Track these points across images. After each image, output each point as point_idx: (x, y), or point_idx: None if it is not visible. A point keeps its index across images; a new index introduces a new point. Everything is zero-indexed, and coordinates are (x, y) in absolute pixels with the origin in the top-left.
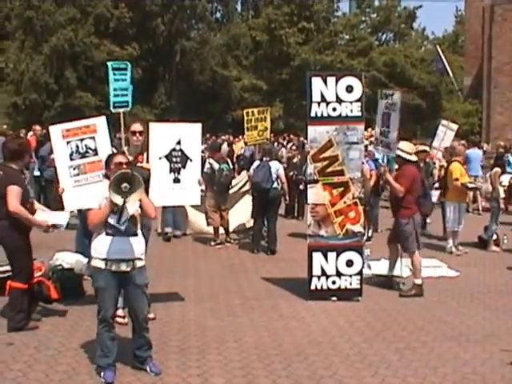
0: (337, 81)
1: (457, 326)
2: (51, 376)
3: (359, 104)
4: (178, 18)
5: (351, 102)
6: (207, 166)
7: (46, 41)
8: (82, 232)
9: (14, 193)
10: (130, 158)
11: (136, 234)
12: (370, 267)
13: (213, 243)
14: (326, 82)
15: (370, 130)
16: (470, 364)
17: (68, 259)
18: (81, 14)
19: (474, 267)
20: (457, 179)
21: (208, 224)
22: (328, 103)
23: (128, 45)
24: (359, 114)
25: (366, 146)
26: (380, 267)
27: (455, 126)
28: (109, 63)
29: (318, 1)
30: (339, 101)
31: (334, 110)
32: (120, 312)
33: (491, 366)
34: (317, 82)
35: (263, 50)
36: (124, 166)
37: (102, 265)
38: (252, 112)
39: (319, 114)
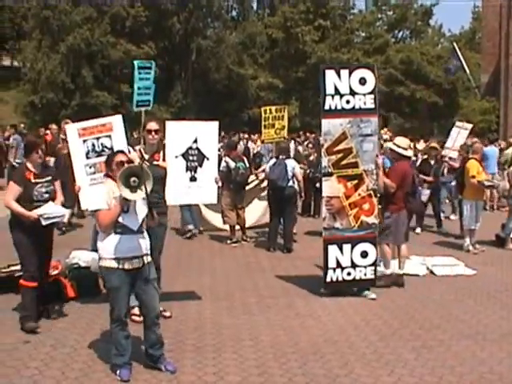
0: (350, 73)
1: (474, 325)
2: (67, 374)
3: (372, 96)
4: (193, 16)
5: (364, 95)
6: (223, 164)
7: (62, 40)
8: (96, 231)
9: (9, 188)
10: (146, 157)
11: (143, 232)
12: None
13: (229, 241)
14: (339, 75)
15: (385, 129)
16: (487, 363)
17: (84, 257)
18: (97, 14)
19: (491, 266)
20: (473, 177)
21: (224, 222)
22: (342, 96)
23: (144, 44)
24: (372, 106)
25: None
26: (396, 265)
27: (469, 126)
28: (135, 62)
29: None
30: (353, 93)
31: (348, 102)
32: (136, 310)
33: (508, 365)
34: (330, 75)
35: (279, 48)
36: (125, 165)
37: (114, 264)
38: (270, 110)
39: (333, 107)
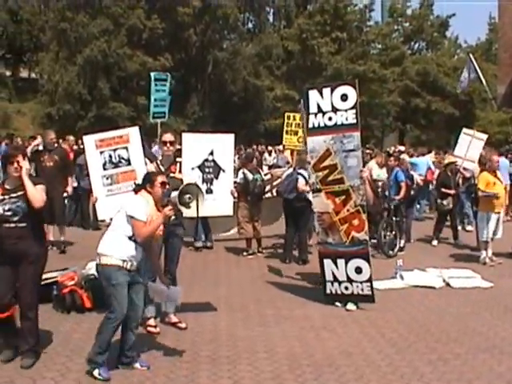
0: (332, 91)
1: (491, 338)
2: None
3: (354, 111)
4: (210, 28)
5: (346, 110)
6: (240, 176)
7: (79, 52)
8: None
9: None
10: (163, 169)
11: None
12: (402, 278)
13: (245, 253)
14: (321, 94)
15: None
16: (505, 377)
17: None
18: (114, 26)
19: (508, 278)
20: (479, 189)
21: (240, 234)
22: (324, 113)
23: (161, 55)
24: (354, 121)
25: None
26: (413, 277)
27: (484, 136)
28: (151, 74)
29: (351, 10)
30: (334, 110)
31: (330, 119)
32: (152, 321)
33: None
34: (313, 95)
35: (295, 59)
36: (166, 186)
37: (120, 263)
38: (294, 116)
39: (316, 125)
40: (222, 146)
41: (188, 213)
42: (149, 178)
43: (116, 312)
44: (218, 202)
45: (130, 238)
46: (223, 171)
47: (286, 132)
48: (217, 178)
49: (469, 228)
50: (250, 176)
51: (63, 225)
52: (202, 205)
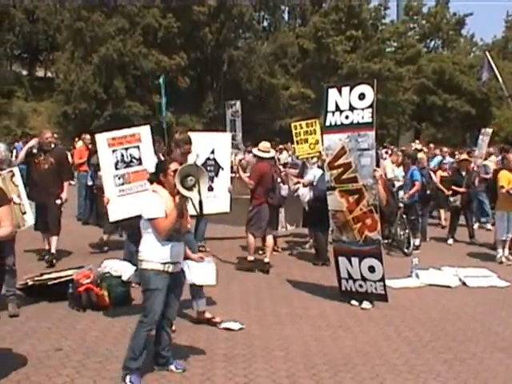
0: (351, 90)
1: (507, 337)
2: (99, 382)
3: (370, 110)
4: (225, 27)
5: (363, 109)
6: None
7: (95, 51)
8: (129, 240)
9: None
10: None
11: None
12: (418, 276)
13: (261, 252)
14: (340, 92)
15: (417, 141)
16: None
17: (116, 267)
18: (129, 25)
19: None
20: (502, 187)
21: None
22: (341, 112)
23: (176, 54)
24: (370, 120)
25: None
26: (428, 276)
27: (490, 131)
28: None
29: (366, 8)
30: (352, 108)
31: (347, 117)
32: (208, 314)
33: None
34: (332, 93)
35: (311, 58)
36: None
37: (161, 267)
38: (300, 125)
39: (333, 123)
40: (221, 144)
41: (193, 195)
42: (161, 167)
43: (149, 317)
44: (218, 199)
45: (164, 239)
46: (222, 169)
47: (297, 142)
48: (217, 175)
49: (489, 227)
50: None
51: (56, 235)
52: (204, 185)
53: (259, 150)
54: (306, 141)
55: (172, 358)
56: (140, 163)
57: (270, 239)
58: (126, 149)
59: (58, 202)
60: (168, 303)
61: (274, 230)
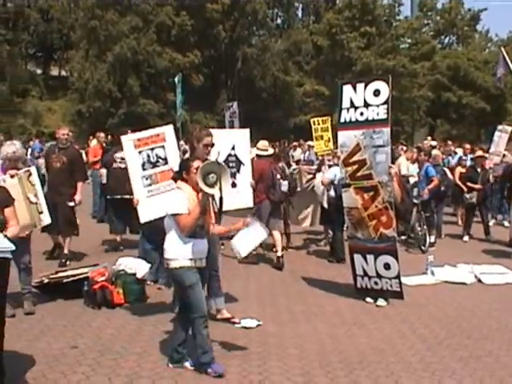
0: (365, 86)
1: None
2: (114, 380)
3: (385, 107)
4: (239, 24)
5: (378, 106)
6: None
7: (109, 49)
8: (144, 238)
9: None
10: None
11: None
12: (433, 273)
13: (275, 249)
14: (355, 89)
15: (429, 138)
16: None
17: (131, 264)
18: (143, 23)
19: None
20: None
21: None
22: (356, 108)
23: (190, 52)
24: (385, 116)
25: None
26: (444, 273)
27: (509, 128)
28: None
29: (380, 5)
30: (366, 105)
31: (362, 114)
32: (225, 313)
33: None
34: (347, 90)
35: (324, 55)
36: None
37: (189, 263)
38: (317, 121)
39: (348, 120)
40: (241, 140)
41: (215, 192)
42: (184, 165)
43: (198, 311)
44: (241, 194)
45: (188, 236)
46: (243, 165)
47: (316, 138)
48: (239, 171)
49: (506, 224)
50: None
51: (68, 237)
52: (225, 182)
53: (258, 148)
54: (322, 137)
55: (187, 356)
56: (166, 163)
57: (276, 234)
58: (152, 149)
59: (72, 204)
60: None
61: (278, 225)
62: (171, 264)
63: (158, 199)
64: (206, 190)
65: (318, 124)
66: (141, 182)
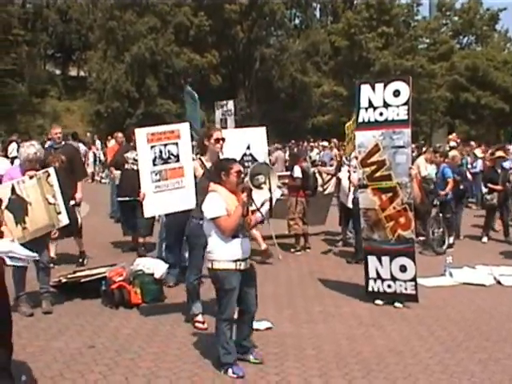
0: (385, 86)
1: None
2: (131, 379)
3: (406, 107)
4: (257, 25)
5: (398, 106)
6: (297, 171)
7: (127, 50)
8: (162, 238)
9: None
10: (208, 165)
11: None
12: (451, 275)
13: (293, 250)
14: (373, 89)
15: (454, 134)
16: None
17: (149, 264)
18: (161, 23)
19: None
20: None
21: (291, 230)
22: (375, 108)
23: (208, 52)
24: (406, 117)
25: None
26: (462, 275)
27: None
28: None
29: (397, 4)
30: (386, 105)
31: (381, 114)
32: (200, 318)
33: None
34: (365, 89)
35: (343, 55)
36: (241, 175)
37: (233, 266)
38: (350, 125)
39: (366, 120)
40: (257, 139)
41: (261, 195)
42: (224, 167)
43: (226, 314)
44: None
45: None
46: None
47: (347, 143)
48: None
49: None
50: (310, 171)
51: (78, 237)
52: (274, 183)
53: None
54: (351, 139)
55: (252, 349)
56: (177, 160)
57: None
58: (165, 145)
59: (72, 202)
60: (245, 299)
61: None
62: (215, 265)
63: (165, 196)
64: (254, 191)
65: (348, 129)
66: (149, 176)
